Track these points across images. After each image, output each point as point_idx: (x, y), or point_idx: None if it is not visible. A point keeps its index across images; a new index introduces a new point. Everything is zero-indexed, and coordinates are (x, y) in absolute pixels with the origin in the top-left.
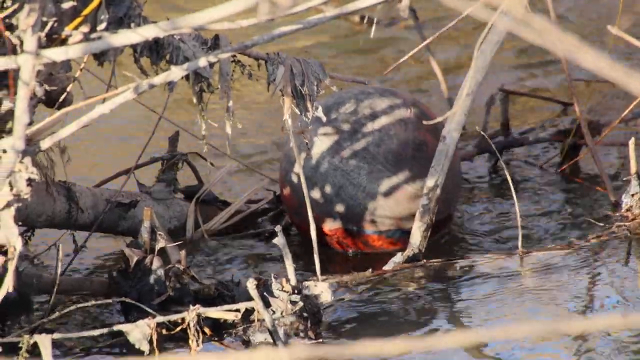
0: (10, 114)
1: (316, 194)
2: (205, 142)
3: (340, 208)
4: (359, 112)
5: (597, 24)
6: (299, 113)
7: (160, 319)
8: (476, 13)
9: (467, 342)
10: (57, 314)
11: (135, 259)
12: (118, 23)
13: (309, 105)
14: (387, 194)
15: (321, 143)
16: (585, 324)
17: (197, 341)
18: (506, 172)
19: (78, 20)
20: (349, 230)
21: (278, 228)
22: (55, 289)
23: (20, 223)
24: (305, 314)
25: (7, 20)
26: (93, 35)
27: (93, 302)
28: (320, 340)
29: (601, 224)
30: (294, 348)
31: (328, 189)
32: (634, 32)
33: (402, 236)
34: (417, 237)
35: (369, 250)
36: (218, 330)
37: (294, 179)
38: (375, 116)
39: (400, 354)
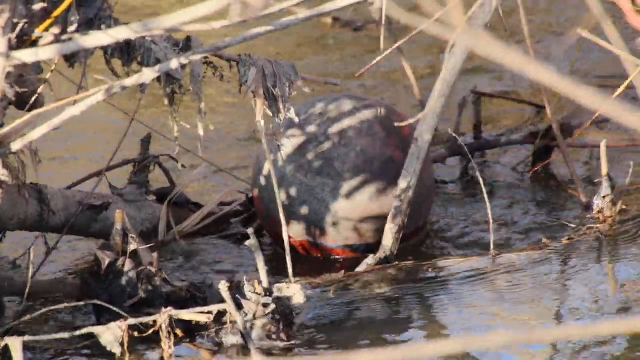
0: None
1: (282, 203)
2: (177, 144)
3: (304, 220)
4: (326, 122)
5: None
6: (271, 115)
7: (132, 321)
8: (430, 30)
9: (442, 351)
10: (28, 316)
11: (107, 261)
12: (89, 25)
13: (281, 106)
14: (352, 209)
15: (288, 155)
16: (559, 333)
17: (169, 343)
18: (478, 174)
19: (49, 21)
20: (313, 243)
21: (250, 230)
22: (26, 292)
23: None
24: (277, 316)
25: None
26: (64, 37)
27: (65, 305)
28: (293, 342)
29: (573, 226)
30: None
31: (292, 200)
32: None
33: (367, 249)
34: (389, 239)
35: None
36: (190, 333)
37: (262, 183)
38: (342, 128)
39: None
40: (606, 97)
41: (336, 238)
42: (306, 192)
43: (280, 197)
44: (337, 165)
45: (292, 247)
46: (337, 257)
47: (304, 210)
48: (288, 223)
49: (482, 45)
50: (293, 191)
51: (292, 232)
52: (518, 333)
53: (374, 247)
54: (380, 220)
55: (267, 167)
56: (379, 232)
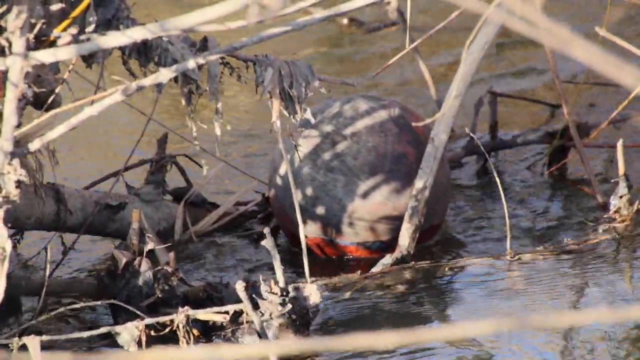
0: None
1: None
2: (196, 144)
3: (317, 218)
4: (340, 120)
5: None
6: (287, 115)
7: (148, 320)
8: (470, 6)
9: (456, 336)
10: (45, 315)
11: (124, 260)
12: (106, 25)
13: (297, 107)
14: (364, 205)
15: (303, 154)
16: (574, 318)
17: (187, 342)
18: (494, 174)
19: (66, 22)
20: (327, 240)
21: (266, 230)
22: (43, 291)
23: (9, 225)
24: (293, 316)
25: None
26: (81, 37)
27: (82, 304)
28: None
29: (591, 223)
30: (283, 341)
31: (306, 198)
32: (620, 30)
33: (380, 247)
34: (405, 238)
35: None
36: (207, 332)
37: (278, 182)
38: (355, 126)
39: (388, 347)
40: None
41: (349, 235)
42: (318, 189)
43: (297, 196)
44: (349, 161)
45: (307, 246)
46: (351, 255)
47: (317, 208)
48: (303, 222)
49: (518, 21)
50: (307, 189)
51: (307, 231)
52: (549, 315)
53: (387, 245)
54: (393, 216)
55: (284, 166)
56: (393, 229)
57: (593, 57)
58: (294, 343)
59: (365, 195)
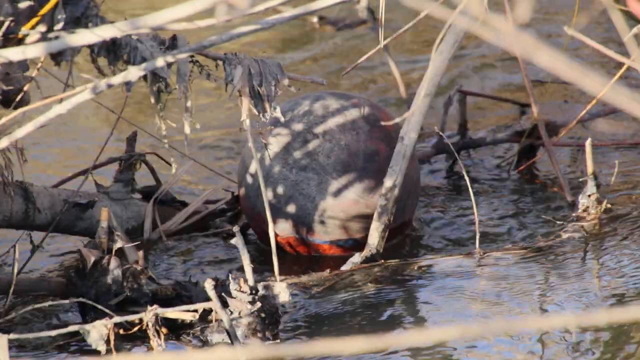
0: None
1: (268, 201)
2: (165, 142)
3: (290, 217)
4: (311, 118)
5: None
6: (257, 113)
7: (117, 319)
8: (435, 12)
9: (425, 340)
10: (13, 314)
11: (93, 259)
12: (75, 23)
13: (267, 105)
14: (337, 203)
15: (272, 150)
16: (540, 322)
17: (158, 341)
18: (464, 173)
19: (35, 19)
20: (300, 239)
21: (236, 228)
22: (11, 289)
23: None
24: (263, 315)
25: None
26: (50, 35)
27: (50, 302)
28: (278, 340)
29: (559, 222)
30: (252, 347)
31: (278, 196)
32: (587, 31)
33: (354, 244)
34: (374, 237)
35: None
36: (175, 331)
37: (249, 181)
38: (327, 124)
39: (357, 353)
40: (612, 84)
41: (322, 234)
42: (292, 188)
43: (267, 195)
44: (322, 159)
45: (279, 245)
46: (324, 254)
47: (290, 206)
48: (275, 220)
49: (483, 27)
50: (279, 188)
51: (279, 230)
52: (512, 320)
53: (361, 243)
54: (366, 214)
55: (254, 165)
56: (366, 227)
57: (556, 64)
58: (262, 348)
59: (338, 193)
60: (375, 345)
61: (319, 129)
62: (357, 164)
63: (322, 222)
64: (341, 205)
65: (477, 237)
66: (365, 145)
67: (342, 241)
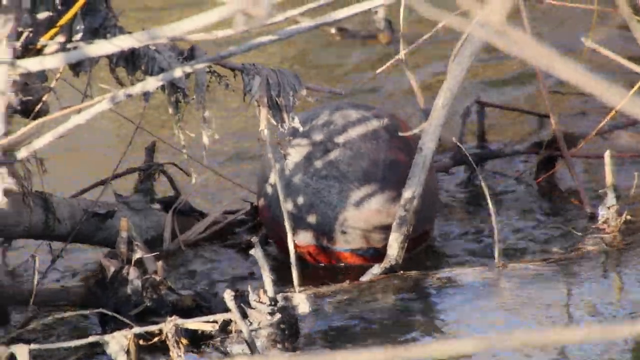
0: None
1: (288, 209)
2: (185, 152)
3: (311, 225)
4: (331, 128)
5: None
6: (275, 124)
7: (137, 329)
8: (452, 23)
9: (447, 352)
10: (34, 324)
11: (113, 269)
12: (94, 33)
13: (285, 116)
14: (358, 212)
15: (293, 159)
16: (560, 335)
17: (178, 352)
18: (483, 184)
19: (54, 30)
20: (321, 247)
21: (255, 239)
22: (32, 300)
23: None
24: (282, 326)
25: None
26: (69, 46)
27: (70, 313)
28: (297, 352)
29: (579, 234)
30: (271, 358)
31: (299, 205)
32: (607, 44)
33: (374, 254)
34: (394, 248)
35: (343, 264)
36: (195, 342)
37: (269, 191)
38: (347, 133)
39: None
40: (631, 95)
41: (343, 242)
42: (313, 196)
43: (287, 204)
44: (343, 167)
45: (299, 255)
46: (344, 262)
47: (312, 214)
48: (295, 230)
49: (501, 38)
50: (300, 197)
51: (300, 239)
52: (531, 333)
53: (381, 252)
54: (387, 224)
55: (273, 175)
56: (387, 236)
57: (574, 75)
58: (282, 358)
59: (360, 202)
60: (394, 357)
61: (339, 139)
62: (378, 173)
63: (343, 231)
64: (362, 214)
65: (497, 248)
66: (386, 155)
67: (362, 250)
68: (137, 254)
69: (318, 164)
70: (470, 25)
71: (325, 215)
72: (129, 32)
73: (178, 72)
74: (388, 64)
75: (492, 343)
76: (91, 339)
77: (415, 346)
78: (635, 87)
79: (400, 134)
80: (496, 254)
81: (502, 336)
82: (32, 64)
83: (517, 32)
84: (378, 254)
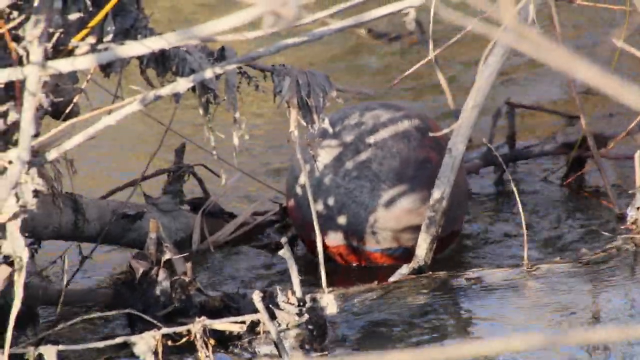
0: (16, 125)
1: (319, 209)
2: (214, 154)
3: (342, 225)
4: (362, 128)
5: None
6: (305, 125)
7: (165, 330)
8: (478, 29)
9: (473, 353)
10: (62, 325)
11: (141, 270)
12: (125, 34)
13: (315, 117)
14: (390, 212)
15: (324, 159)
16: (587, 336)
17: (206, 353)
18: (512, 185)
19: (85, 31)
20: (351, 247)
21: (284, 240)
22: (60, 300)
23: (26, 234)
24: (310, 326)
25: (13, 32)
26: (100, 47)
27: (98, 314)
28: (326, 352)
29: (609, 234)
30: (299, 358)
31: (330, 206)
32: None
33: (404, 253)
34: (422, 249)
35: (372, 265)
36: (223, 342)
37: (299, 192)
38: (378, 133)
39: None
40: None
41: (374, 242)
42: (345, 196)
43: (318, 205)
44: (374, 167)
45: (328, 255)
46: (375, 262)
47: (342, 214)
48: (326, 230)
49: (527, 42)
50: (331, 197)
51: (330, 239)
52: (558, 334)
53: (411, 251)
54: (418, 224)
55: (303, 176)
56: (417, 236)
57: (596, 78)
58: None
59: (391, 201)
60: (424, 358)
61: (370, 139)
62: (409, 172)
63: (375, 231)
64: (394, 213)
65: (526, 249)
66: (417, 153)
67: (392, 249)
68: (166, 255)
69: (349, 164)
70: (494, 30)
71: (357, 214)
72: (160, 33)
73: (209, 73)
74: (418, 64)
75: (520, 344)
76: (119, 339)
77: (445, 348)
78: None
79: (430, 134)
80: (525, 255)
81: (529, 336)
82: (63, 65)
83: (540, 35)
84: (408, 254)
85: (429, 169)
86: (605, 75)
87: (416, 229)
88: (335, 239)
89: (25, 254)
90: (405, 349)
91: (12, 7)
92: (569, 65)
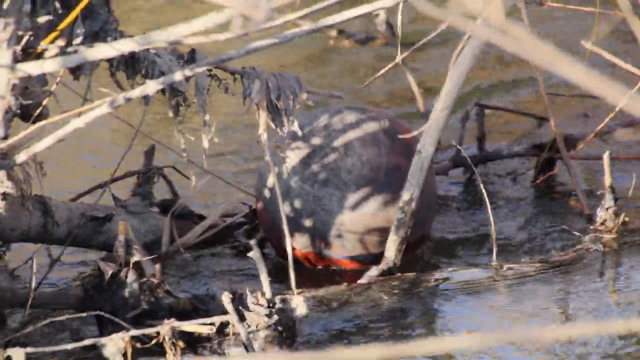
0: None
1: (287, 213)
2: (184, 156)
3: (311, 232)
4: (330, 133)
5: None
6: (274, 127)
7: (134, 332)
8: (455, 23)
9: (442, 349)
10: (31, 327)
11: (110, 272)
12: (94, 37)
13: (284, 119)
14: (359, 220)
15: (293, 166)
16: (556, 332)
17: (174, 354)
18: (481, 186)
19: (54, 34)
20: (319, 253)
21: (253, 242)
22: (29, 303)
23: None
24: (280, 328)
25: None
26: (69, 49)
27: (67, 316)
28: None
29: (577, 235)
30: (269, 354)
31: (299, 213)
32: (607, 46)
33: (373, 260)
34: (392, 250)
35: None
36: (192, 344)
37: (267, 195)
38: (348, 138)
39: None
40: (631, 94)
41: (342, 249)
42: (313, 203)
43: (286, 208)
44: (344, 175)
45: (297, 259)
46: (342, 268)
47: (311, 221)
48: (294, 235)
49: (503, 37)
50: (299, 202)
51: (298, 244)
52: (528, 330)
53: (380, 258)
54: (387, 230)
55: (272, 179)
56: (386, 241)
57: (577, 74)
58: (280, 356)
59: (360, 208)
60: (392, 354)
61: (339, 143)
62: (379, 179)
63: (343, 237)
64: (362, 220)
65: (494, 250)
66: (387, 160)
67: (362, 256)
68: (135, 257)
69: (317, 169)
70: (472, 24)
71: (326, 223)
72: (130, 36)
73: (178, 76)
74: (387, 67)
75: (487, 340)
76: (88, 341)
77: (410, 344)
78: (637, 86)
79: (400, 136)
80: (494, 255)
81: (497, 333)
82: (32, 68)
83: (520, 30)
84: (377, 261)
85: (399, 176)
86: (584, 71)
87: (385, 234)
88: (303, 245)
89: None
90: (371, 346)
91: None
92: (548, 60)
